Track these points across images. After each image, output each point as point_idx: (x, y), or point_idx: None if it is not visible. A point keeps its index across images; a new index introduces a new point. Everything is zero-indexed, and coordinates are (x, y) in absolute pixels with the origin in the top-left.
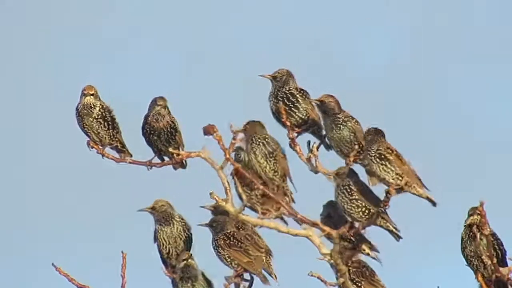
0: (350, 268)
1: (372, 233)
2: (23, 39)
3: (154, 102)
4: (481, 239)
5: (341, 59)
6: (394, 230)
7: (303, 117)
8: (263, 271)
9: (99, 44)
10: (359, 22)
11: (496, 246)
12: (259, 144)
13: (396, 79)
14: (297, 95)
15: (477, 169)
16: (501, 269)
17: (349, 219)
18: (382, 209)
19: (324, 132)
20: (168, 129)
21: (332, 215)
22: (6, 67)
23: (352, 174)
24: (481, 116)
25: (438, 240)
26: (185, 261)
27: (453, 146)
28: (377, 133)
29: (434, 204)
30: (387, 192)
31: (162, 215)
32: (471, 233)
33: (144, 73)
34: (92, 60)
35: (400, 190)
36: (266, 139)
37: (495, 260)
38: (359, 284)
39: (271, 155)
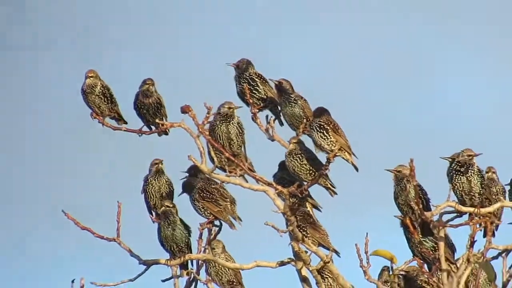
0: (297, 218)
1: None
2: None
3: (143, 82)
4: (409, 189)
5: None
6: (331, 188)
7: (262, 96)
8: (230, 218)
9: None
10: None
11: (421, 195)
12: (234, 127)
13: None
14: (256, 79)
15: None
16: (425, 213)
17: (298, 179)
18: (324, 171)
19: (279, 109)
20: (155, 104)
21: (284, 175)
22: None
23: (302, 143)
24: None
25: (366, 194)
26: (167, 208)
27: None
28: (322, 110)
29: (356, 169)
30: (328, 158)
31: (156, 171)
32: (401, 185)
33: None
34: None
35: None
36: (239, 123)
37: (421, 206)
38: (304, 229)
39: (240, 134)
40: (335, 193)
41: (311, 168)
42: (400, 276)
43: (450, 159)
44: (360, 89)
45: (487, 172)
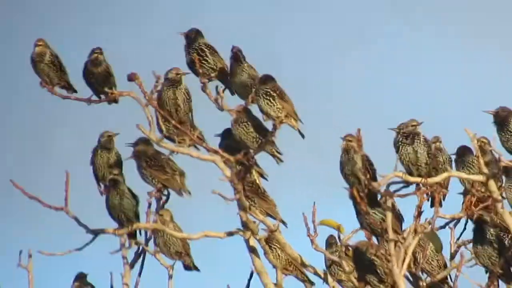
0: (244, 186)
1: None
2: None
3: (92, 51)
4: (356, 160)
5: None
6: (277, 155)
7: (212, 66)
8: (178, 187)
9: None
10: None
11: (368, 166)
12: (181, 93)
13: None
14: (206, 49)
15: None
16: (373, 183)
17: (244, 147)
18: (270, 138)
19: (229, 78)
20: (104, 73)
21: (231, 144)
22: None
23: (249, 112)
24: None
25: (313, 166)
26: (115, 176)
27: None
28: (268, 78)
29: (303, 136)
30: (274, 125)
31: (107, 142)
32: (348, 155)
33: None
34: None
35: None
36: (186, 90)
37: (368, 176)
38: (252, 199)
39: (187, 100)
40: (281, 161)
41: (257, 135)
42: (348, 245)
43: (396, 130)
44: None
45: (433, 142)
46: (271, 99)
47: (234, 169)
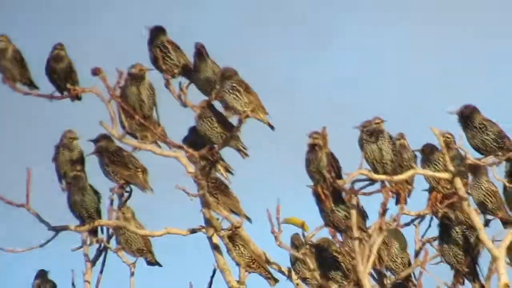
0: (208, 183)
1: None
2: None
3: (54, 47)
4: (321, 157)
5: None
6: (243, 149)
7: (175, 63)
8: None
9: None
10: None
11: (333, 164)
12: (145, 88)
13: None
14: (168, 46)
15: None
16: (337, 181)
17: (209, 142)
18: (235, 133)
19: (192, 75)
20: (66, 69)
21: (195, 140)
22: None
23: (213, 107)
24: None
25: (279, 161)
26: (77, 172)
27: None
28: (232, 71)
29: (272, 128)
30: (239, 120)
31: (68, 143)
32: (313, 152)
33: None
34: None
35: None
36: (150, 85)
37: (333, 174)
38: (216, 195)
39: (151, 96)
40: (247, 155)
41: (222, 131)
42: (312, 243)
43: (360, 128)
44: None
45: (398, 139)
46: (237, 93)
47: (198, 165)
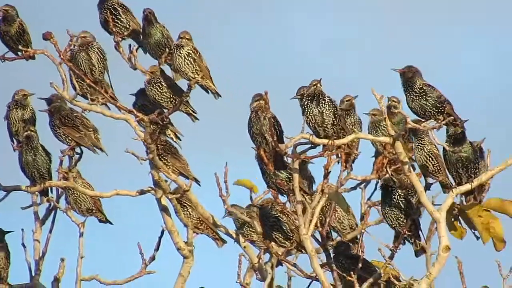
0: (158, 146)
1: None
2: None
3: (3, 9)
4: (264, 120)
5: None
6: (193, 113)
7: (125, 25)
8: (92, 146)
9: None
10: None
11: (276, 127)
12: (94, 52)
13: None
14: (119, 8)
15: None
16: (280, 145)
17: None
18: (184, 98)
19: (142, 38)
20: (18, 30)
21: (146, 103)
22: None
23: (162, 72)
24: None
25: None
26: (30, 132)
27: None
28: (185, 34)
29: (219, 95)
30: (189, 85)
31: (21, 100)
32: (256, 115)
33: None
34: None
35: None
36: (99, 49)
37: (275, 138)
38: (165, 158)
39: (101, 60)
40: (197, 119)
41: (171, 95)
42: (258, 207)
43: (299, 97)
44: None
45: (342, 102)
46: (191, 60)
47: (148, 129)
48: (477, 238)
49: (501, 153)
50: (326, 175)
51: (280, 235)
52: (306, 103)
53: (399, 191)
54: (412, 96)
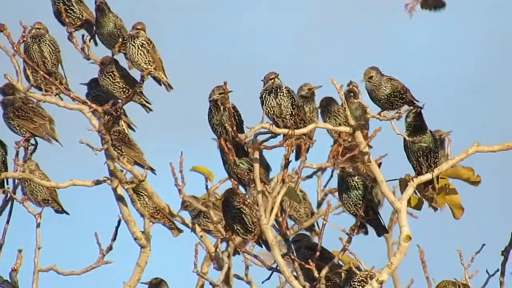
0: (112, 136)
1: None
2: None
3: None
4: (224, 110)
5: None
6: (147, 104)
7: (78, 16)
8: (48, 136)
9: None
10: None
11: (236, 117)
12: (46, 45)
13: None
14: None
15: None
16: (239, 135)
17: (112, 97)
18: (138, 89)
19: (95, 28)
20: None
21: (100, 94)
22: None
23: (115, 62)
24: None
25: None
26: None
27: None
28: (140, 27)
29: (171, 87)
30: (142, 76)
31: None
32: (216, 106)
33: None
34: None
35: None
36: (51, 41)
37: (235, 128)
38: (120, 148)
39: (53, 52)
40: (151, 110)
41: (124, 86)
42: (216, 196)
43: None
44: None
45: (301, 89)
46: (145, 51)
47: (102, 120)
48: (435, 209)
49: (467, 142)
50: (286, 165)
51: (241, 227)
52: (264, 95)
53: (356, 177)
54: (371, 89)
